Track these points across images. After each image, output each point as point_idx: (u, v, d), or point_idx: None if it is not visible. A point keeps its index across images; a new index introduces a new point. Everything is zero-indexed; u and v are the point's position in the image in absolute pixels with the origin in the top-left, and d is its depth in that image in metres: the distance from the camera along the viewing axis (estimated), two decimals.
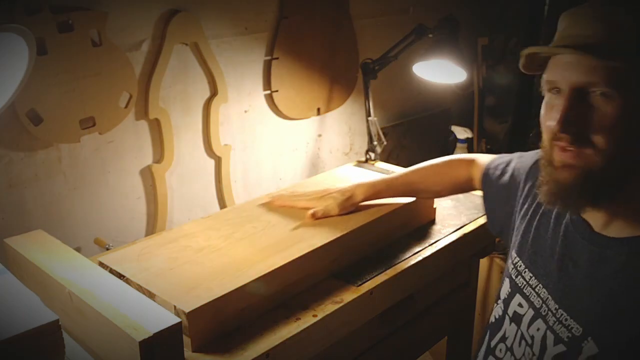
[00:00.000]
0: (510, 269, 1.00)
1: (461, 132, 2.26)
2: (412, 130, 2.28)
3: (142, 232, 1.56)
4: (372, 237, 1.34)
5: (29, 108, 1.26)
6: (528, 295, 0.95)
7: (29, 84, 1.01)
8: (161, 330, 0.89)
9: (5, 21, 0.90)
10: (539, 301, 0.92)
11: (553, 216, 0.95)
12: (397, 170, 1.77)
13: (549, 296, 0.90)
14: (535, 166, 1.02)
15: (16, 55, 0.95)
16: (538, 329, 0.91)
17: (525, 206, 1.03)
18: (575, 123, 0.81)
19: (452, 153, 2.29)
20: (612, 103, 0.79)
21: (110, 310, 0.94)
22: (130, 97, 1.42)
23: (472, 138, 2.30)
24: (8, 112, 1.20)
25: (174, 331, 0.91)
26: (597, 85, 0.79)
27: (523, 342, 0.93)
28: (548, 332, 0.89)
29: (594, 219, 0.88)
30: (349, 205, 1.33)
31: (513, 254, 1.01)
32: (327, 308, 1.15)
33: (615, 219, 0.85)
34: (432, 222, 1.49)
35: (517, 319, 0.96)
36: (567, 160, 0.83)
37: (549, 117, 0.85)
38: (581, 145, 0.81)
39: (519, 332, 0.95)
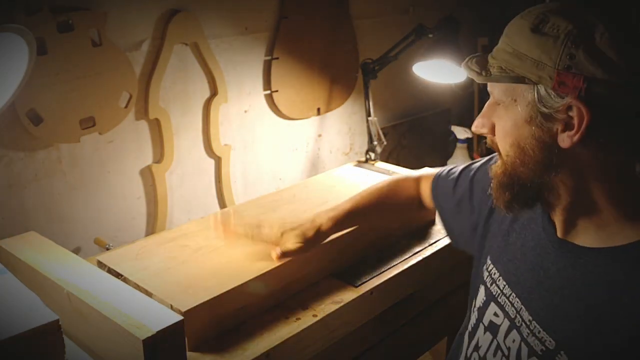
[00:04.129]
0: (485, 277, 0.98)
1: (461, 132, 2.26)
2: (412, 130, 2.28)
3: (142, 232, 1.56)
4: (371, 237, 1.34)
5: (29, 108, 1.26)
6: (503, 305, 0.92)
7: (29, 84, 1.01)
8: (164, 328, 0.89)
9: (5, 21, 0.90)
10: (513, 311, 0.90)
11: (526, 223, 0.94)
12: (397, 171, 1.77)
13: (523, 306, 0.88)
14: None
15: (16, 55, 0.95)
16: (514, 341, 0.88)
17: (496, 213, 1.01)
18: (483, 126, 0.87)
19: (452, 153, 2.29)
20: (508, 113, 0.82)
21: (111, 309, 0.94)
22: (130, 97, 1.42)
23: (472, 138, 2.30)
24: (8, 112, 1.20)
25: (176, 329, 0.91)
26: (497, 96, 0.84)
27: (499, 352, 0.91)
28: (522, 344, 0.86)
29: (557, 224, 0.87)
30: (317, 236, 1.17)
31: (488, 260, 0.99)
32: (327, 308, 1.15)
33: (579, 227, 0.84)
34: (432, 222, 1.49)
35: (493, 328, 0.93)
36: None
37: None
38: (497, 149, 0.87)
39: (495, 342, 0.92)
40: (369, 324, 1.25)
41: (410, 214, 1.31)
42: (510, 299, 0.90)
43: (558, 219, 0.86)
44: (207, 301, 1.03)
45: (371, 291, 1.22)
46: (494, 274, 0.96)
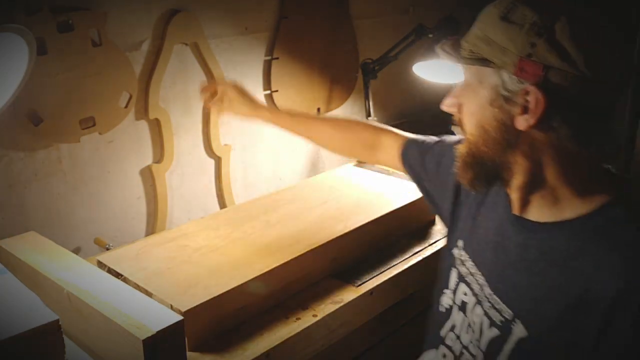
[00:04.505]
0: (456, 259, 1.04)
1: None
2: (412, 130, 2.26)
3: (142, 232, 1.56)
4: (371, 237, 1.34)
5: (29, 108, 1.26)
6: (470, 283, 0.98)
7: (29, 84, 1.01)
8: (164, 328, 0.89)
9: (5, 21, 0.90)
10: (478, 287, 0.96)
11: (491, 205, 0.99)
12: (396, 170, 1.77)
13: (485, 282, 0.94)
14: None
15: (16, 55, 0.95)
16: (477, 315, 0.95)
17: (469, 196, 1.06)
18: (452, 106, 0.93)
19: None
20: (475, 95, 0.87)
21: (111, 309, 0.94)
22: (130, 97, 1.42)
23: None
24: (8, 112, 1.20)
25: (176, 329, 0.91)
26: (467, 78, 0.89)
27: (469, 328, 0.97)
28: (484, 317, 0.93)
29: (514, 201, 0.92)
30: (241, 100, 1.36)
31: (459, 243, 1.04)
32: (327, 308, 1.15)
33: (532, 203, 0.89)
34: (432, 222, 1.50)
35: (463, 307, 0.99)
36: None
37: None
38: (462, 128, 0.92)
39: (466, 320, 0.98)
40: (369, 324, 1.25)
41: (353, 152, 1.37)
42: (476, 277, 0.97)
43: (515, 197, 0.91)
44: (207, 301, 1.03)
45: (371, 291, 1.22)
46: (463, 255, 1.01)
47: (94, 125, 1.36)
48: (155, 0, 1.43)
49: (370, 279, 1.25)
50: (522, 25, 0.79)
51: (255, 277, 1.11)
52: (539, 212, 0.88)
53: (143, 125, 1.49)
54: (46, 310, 0.87)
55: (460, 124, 0.93)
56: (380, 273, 1.27)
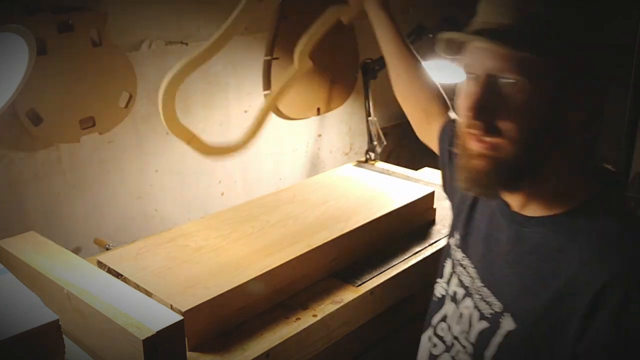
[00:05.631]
0: (451, 250, 1.05)
1: None
2: (412, 131, 2.27)
3: (142, 232, 1.56)
4: (371, 237, 1.34)
5: (29, 108, 1.26)
6: (460, 274, 1.00)
7: (29, 84, 1.01)
8: (164, 328, 0.89)
9: (5, 21, 0.90)
10: (469, 280, 0.97)
11: (485, 198, 0.99)
12: (397, 171, 1.77)
13: (476, 275, 0.95)
14: None
15: (16, 55, 0.95)
16: (467, 307, 0.96)
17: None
18: (486, 110, 0.82)
19: None
20: (521, 92, 0.79)
21: (111, 309, 0.94)
22: (130, 97, 1.42)
23: None
24: (8, 112, 1.20)
25: (176, 329, 0.91)
26: (507, 72, 0.79)
27: (460, 319, 0.98)
28: (474, 309, 0.94)
29: (513, 200, 0.91)
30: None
31: (456, 234, 1.05)
32: (327, 308, 1.15)
33: (532, 200, 0.88)
34: (432, 222, 1.49)
35: (455, 298, 1.01)
36: (482, 151, 0.84)
37: (463, 103, 0.86)
38: (493, 135, 0.82)
39: (457, 311, 0.99)
40: (369, 324, 1.25)
41: (415, 109, 1.41)
42: (468, 270, 0.98)
43: (517, 194, 0.90)
44: (207, 301, 1.03)
45: (371, 291, 1.22)
46: (457, 247, 1.03)
47: (93, 125, 1.36)
48: (155, 0, 1.43)
49: (370, 279, 1.25)
50: None
51: (255, 277, 1.11)
52: (532, 207, 0.89)
53: (143, 125, 1.49)
54: (46, 310, 0.87)
55: (492, 135, 0.84)
56: (380, 273, 1.27)
